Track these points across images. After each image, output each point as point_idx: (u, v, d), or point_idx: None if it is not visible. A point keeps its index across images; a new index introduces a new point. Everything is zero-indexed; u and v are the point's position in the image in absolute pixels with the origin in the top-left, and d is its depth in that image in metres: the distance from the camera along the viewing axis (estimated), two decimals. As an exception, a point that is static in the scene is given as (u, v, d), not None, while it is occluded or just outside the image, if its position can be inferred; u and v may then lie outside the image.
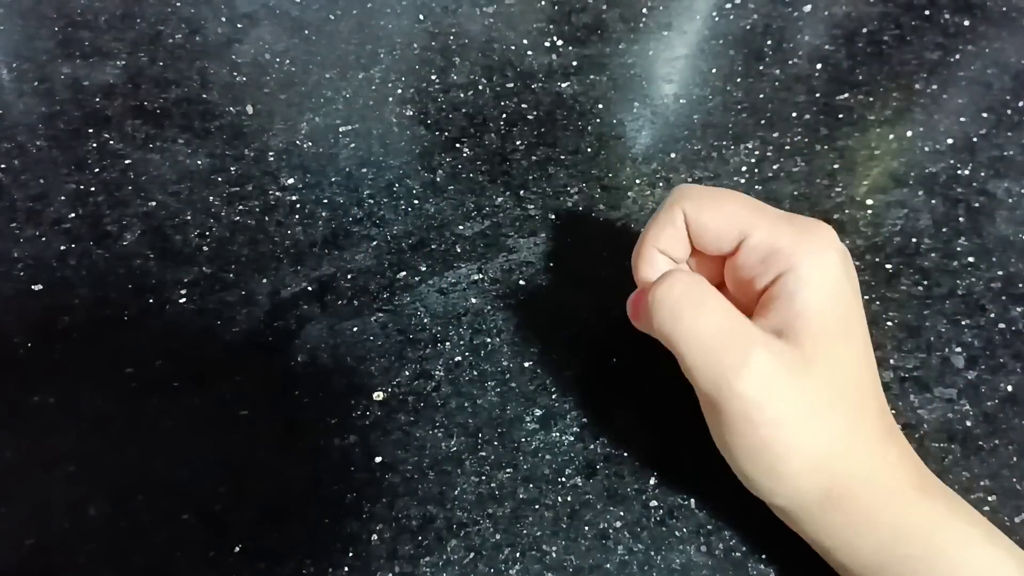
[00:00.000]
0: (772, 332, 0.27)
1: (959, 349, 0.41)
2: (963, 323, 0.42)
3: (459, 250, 0.45)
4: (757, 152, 0.51)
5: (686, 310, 0.27)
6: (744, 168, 0.50)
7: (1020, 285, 0.44)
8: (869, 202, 0.48)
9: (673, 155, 0.51)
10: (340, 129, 0.52)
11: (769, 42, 0.59)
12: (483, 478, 0.36)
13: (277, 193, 0.48)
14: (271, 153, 0.50)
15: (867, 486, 0.26)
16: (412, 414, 0.38)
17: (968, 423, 0.39)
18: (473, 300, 0.43)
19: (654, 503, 0.35)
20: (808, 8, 0.61)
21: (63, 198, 0.47)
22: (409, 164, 0.50)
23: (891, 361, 0.41)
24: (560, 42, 0.58)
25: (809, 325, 0.26)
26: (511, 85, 0.53)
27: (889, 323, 0.42)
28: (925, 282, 0.44)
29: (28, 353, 0.40)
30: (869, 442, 0.27)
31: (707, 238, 0.30)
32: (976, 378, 0.40)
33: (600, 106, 0.53)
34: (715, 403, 0.26)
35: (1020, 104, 0.54)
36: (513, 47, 0.58)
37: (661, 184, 0.49)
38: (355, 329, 0.42)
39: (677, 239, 0.31)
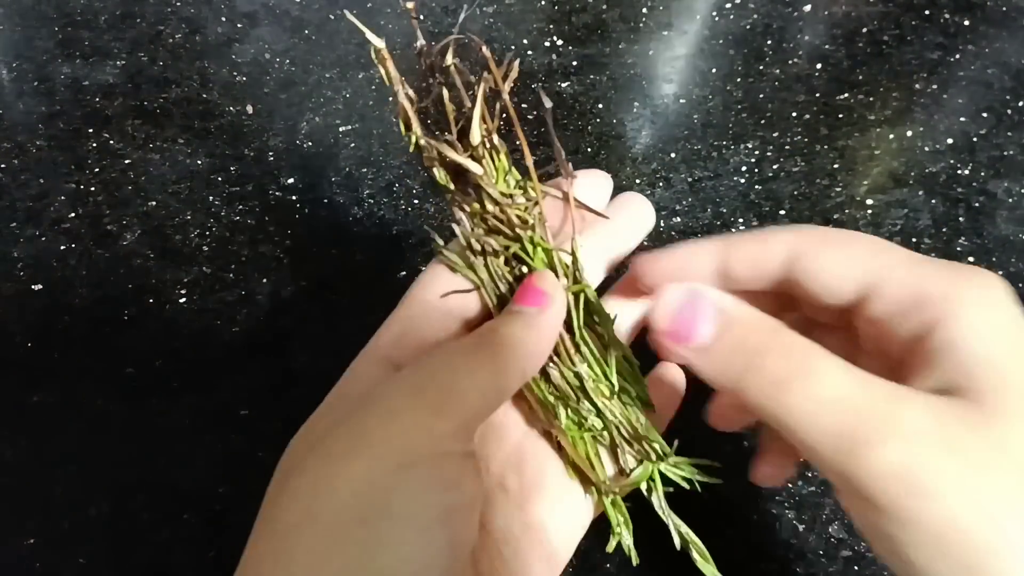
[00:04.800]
0: (933, 393, 0.20)
1: (959, 349, 0.41)
2: (963, 323, 0.42)
3: (459, 250, 0.45)
4: (757, 152, 0.51)
5: (796, 379, 0.20)
6: (744, 168, 0.50)
7: (1020, 285, 0.44)
8: (869, 202, 0.48)
9: (673, 155, 0.50)
10: (340, 129, 0.52)
11: (769, 42, 0.59)
12: (483, 478, 0.36)
13: (277, 193, 0.48)
14: (271, 153, 0.50)
15: None
16: (412, 414, 0.38)
17: (968, 423, 0.39)
18: (473, 300, 0.43)
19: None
20: (808, 8, 0.61)
21: (63, 198, 0.47)
22: (409, 164, 0.50)
23: (891, 361, 0.41)
24: (560, 42, 0.58)
25: (989, 377, 0.20)
26: (511, 85, 0.53)
27: (889, 323, 0.42)
28: (925, 282, 0.44)
29: (28, 353, 0.40)
30: None
31: (822, 283, 0.23)
32: (976, 378, 0.40)
33: (600, 106, 0.54)
34: (856, 490, 0.19)
35: (1020, 104, 0.54)
36: (513, 47, 0.58)
37: (661, 184, 0.49)
38: (355, 329, 0.42)
39: (755, 263, 0.25)
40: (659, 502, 0.27)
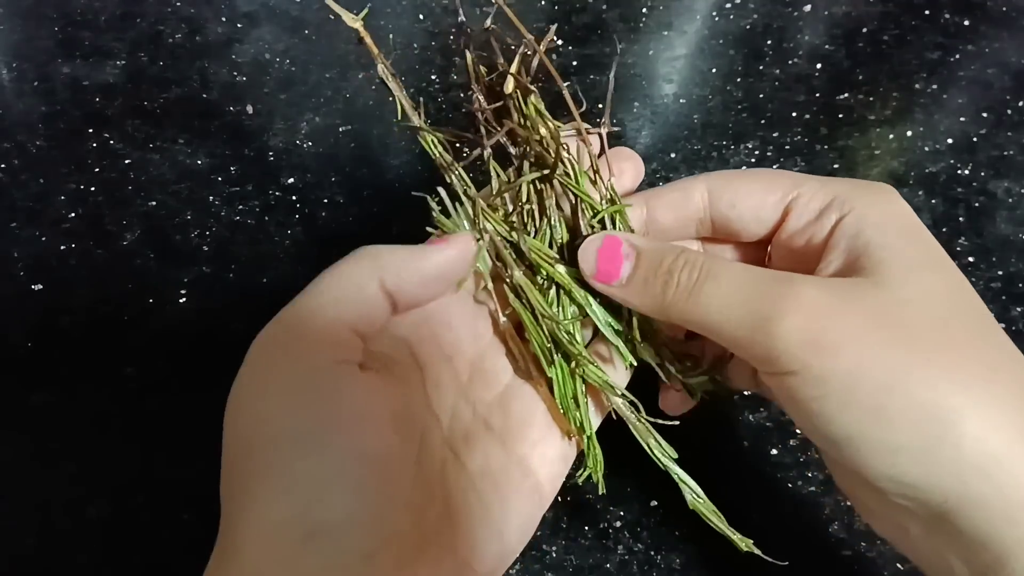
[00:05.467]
0: (834, 275, 0.24)
1: (959, 349, 0.41)
2: (963, 323, 0.43)
3: (459, 250, 0.45)
4: (757, 152, 0.51)
5: (704, 283, 0.23)
6: (744, 168, 0.50)
7: (1020, 285, 0.44)
8: (869, 202, 0.48)
9: (673, 155, 0.50)
10: (340, 129, 0.52)
11: (769, 42, 0.59)
12: (483, 478, 0.36)
13: (277, 193, 0.48)
14: (271, 153, 0.50)
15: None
16: (412, 414, 0.38)
17: (968, 423, 0.39)
18: (473, 300, 0.43)
19: (654, 503, 0.35)
20: (808, 8, 0.61)
21: (63, 198, 0.47)
22: (409, 164, 0.50)
23: (891, 361, 0.41)
24: (560, 42, 0.58)
25: (880, 254, 0.23)
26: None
27: (889, 323, 0.42)
28: (925, 282, 0.44)
29: (28, 353, 0.40)
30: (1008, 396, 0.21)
31: (745, 209, 0.27)
32: (976, 378, 0.40)
33: (600, 106, 0.53)
34: (772, 363, 0.22)
35: (1020, 104, 0.54)
36: (513, 47, 0.58)
37: (661, 184, 0.49)
38: (355, 329, 0.42)
39: (677, 208, 0.28)
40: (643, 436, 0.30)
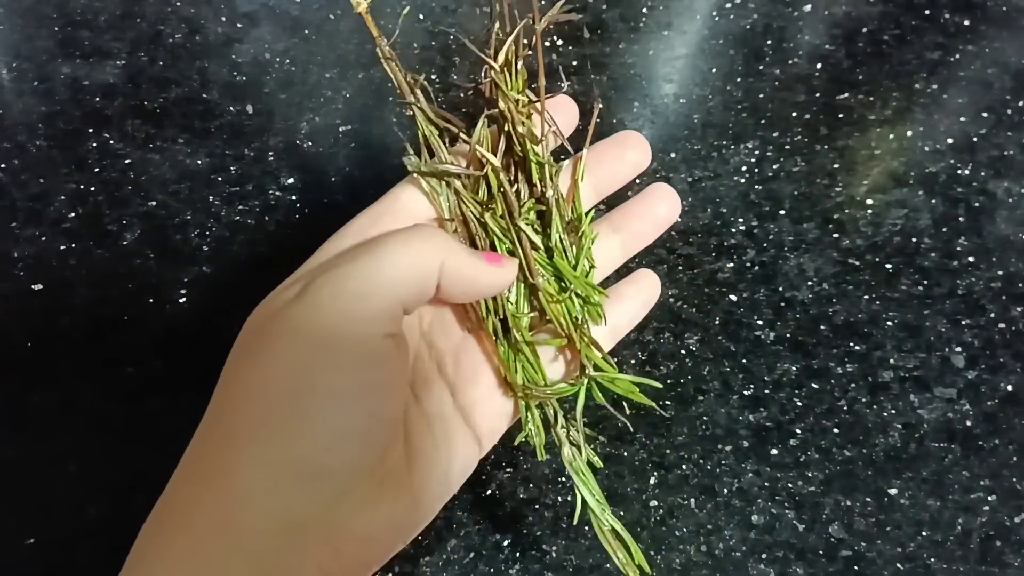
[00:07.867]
0: None
1: (959, 349, 0.41)
2: (963, 323, 0.43)
3: (459, 250, 0.45)
4: (757, 152, 0.51)
5: None
6: (744, 168, 0.50)
7: (1020, 285, 0.44)
8: (869, 202, 0.48)
9: (673, 155, 0.51)
10: (340, 129, 0.52)
11: (769, 42, 0.59)
12: (483, 478, 0.36)
13: (277, 193, 0.48)
14: (271, 153, 0.50)
15: None
16: (412, 414, 0.38)
17: (968, 423, 0.39)
18: (473, 300, 0.43)
19: (654, 503, 0.36)
20: (808, 8, 0.61)
21: (63, 198, 0.47)
22: (409, 164, 0.50)
23: (891, 361, 0.41)
24: (560, 42, 0.58)
25: None
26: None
27: (889, 323, 0.42)
28: (925, 282, 0.44)
29: (28, 353, 0.40)
30: None
31: None
32: (976, 378, 0.40)
33: (600, 106, 0.54)
34: None
35: (1020, 104, 0.54)
36: (513, 46, 0.57)
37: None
38: (355, 329, 0.42)
39: None
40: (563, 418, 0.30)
